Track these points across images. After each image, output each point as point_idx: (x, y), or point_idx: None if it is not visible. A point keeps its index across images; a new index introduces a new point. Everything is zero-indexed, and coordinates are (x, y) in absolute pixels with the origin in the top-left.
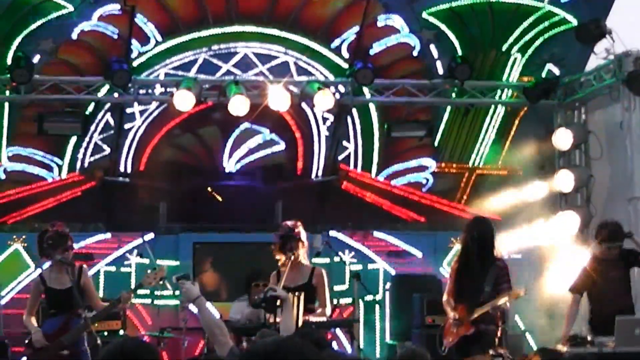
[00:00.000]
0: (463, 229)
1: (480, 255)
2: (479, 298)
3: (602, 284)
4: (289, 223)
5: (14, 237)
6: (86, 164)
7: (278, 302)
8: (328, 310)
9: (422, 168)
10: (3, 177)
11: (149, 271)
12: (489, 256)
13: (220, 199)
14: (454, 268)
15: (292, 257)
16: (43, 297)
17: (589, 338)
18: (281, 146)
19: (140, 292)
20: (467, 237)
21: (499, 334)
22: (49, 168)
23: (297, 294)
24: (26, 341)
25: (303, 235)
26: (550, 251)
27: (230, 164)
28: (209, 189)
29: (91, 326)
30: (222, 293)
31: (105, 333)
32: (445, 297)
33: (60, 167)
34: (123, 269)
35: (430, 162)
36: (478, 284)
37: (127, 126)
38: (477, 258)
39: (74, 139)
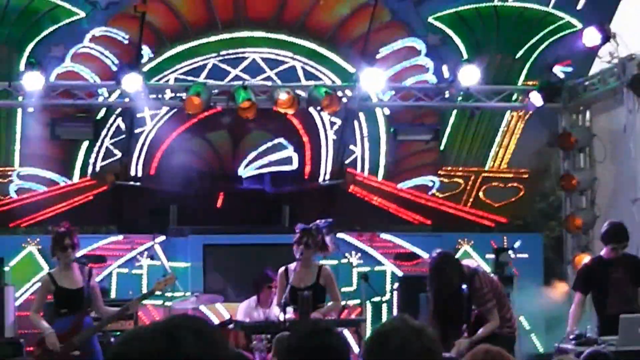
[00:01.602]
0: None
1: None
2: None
3: (605, 284)
4: (318, 223)
5: (28, 239)
6: (97, 169)
7: None
8: (340, 304)
9: (428, 171)
10: (17, 180)
11: (159, 279)
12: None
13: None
14: None
15: (303, 254)
16: (49, 298)
17: (593, 337)
18: (289, 150)
19: None
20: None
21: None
22: (61, 172)
23: (306, 293)
24: (37, 340)
25: (327, 240)
26: (555, 252)
27: (239, 168)
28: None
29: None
30: (230, 293)
31: (118, 333)
32: None
33: (72, 172)
34: (135, 271)
35: (436, 165)
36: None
37: (137, 130)
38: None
39: (85, 144)
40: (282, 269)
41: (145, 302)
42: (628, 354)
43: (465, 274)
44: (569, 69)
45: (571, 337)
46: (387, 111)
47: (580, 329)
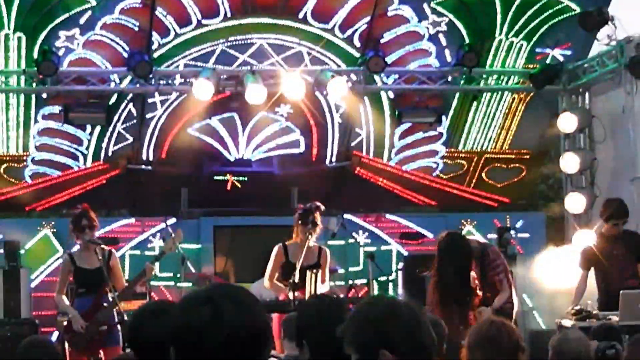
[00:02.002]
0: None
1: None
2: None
3: (607, 261)
4: (314, 202)
5: (43, 222)
6: (110, 153)
7: None
8: (327, 286)
9: (432, 153)
10: (31, 165)
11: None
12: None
13: (239, 184)
14: None
15: (312, 233)
16: (70, 278)
17: (594, 312)
18: (296, 134)
19: (163, 275)
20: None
21: (514, 312)
22: (75, 157)
23: (314, 271)
24: (64, 324)
25: (319, 219)
26: (556, 231)
27: (247, 151)
28: (229, 175)
29: (118, 304)
30: (241, 274)
31: (131, 313)
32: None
33: (85, 156)
34: (147, 253)
35: (440, 147)
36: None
37: (148, 115)
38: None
39: (98, 129)
40: (279, 245)
41: (157, 283)
42: (629, 328)
43: (473, 253)
44: (568, 52)
45: (572, 312)
46: (391, 94)
47: (581, 304)
